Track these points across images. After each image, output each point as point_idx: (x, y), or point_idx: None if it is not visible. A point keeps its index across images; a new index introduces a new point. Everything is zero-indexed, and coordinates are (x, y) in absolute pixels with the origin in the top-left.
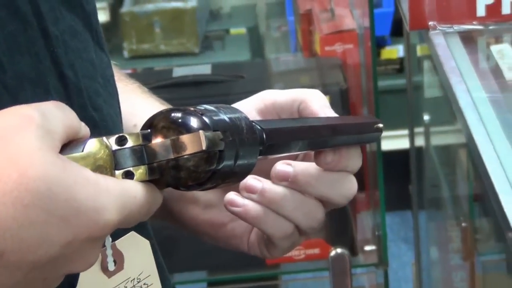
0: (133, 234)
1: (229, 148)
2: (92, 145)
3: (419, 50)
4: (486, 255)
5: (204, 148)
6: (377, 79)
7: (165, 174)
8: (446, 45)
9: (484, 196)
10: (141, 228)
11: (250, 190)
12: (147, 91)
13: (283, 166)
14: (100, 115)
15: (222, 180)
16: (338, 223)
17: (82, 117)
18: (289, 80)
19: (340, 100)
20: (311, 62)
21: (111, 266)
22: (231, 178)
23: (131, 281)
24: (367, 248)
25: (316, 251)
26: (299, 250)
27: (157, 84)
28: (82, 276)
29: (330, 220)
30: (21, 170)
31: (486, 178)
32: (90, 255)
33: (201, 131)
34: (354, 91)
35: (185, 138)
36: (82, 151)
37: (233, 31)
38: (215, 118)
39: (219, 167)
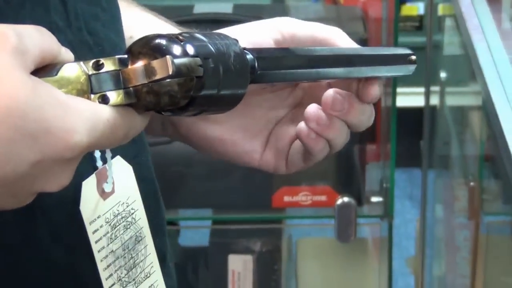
0: (118, 158)
1: (210, 74)
2: (68, 69)
3: (441, 9)
4: (492, 216)
5: (170, 73)
6: (397, 33)
7: (142, 99)
8: (470, 2)
9: (495, 157)
10: (143, 165)
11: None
12: (149, 11)
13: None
14: (96, 39)
15: (207, 106)
16: (346, 172)
17: (78, 40)
18: None
19: None
20: (332, 10)
21: (108, 188)
22: (218, 106)
23: (121, 204)
24: (374, 199)
25: (323, 198)
26: (306, 196)
27: (177, 19)
28: (83, 198)
29: (339, 168)
30: None
31: (501, 138)
32: (61, 176)
33: (168, 56)
34: (374, 43)
35: (155, 63)
36: (56, 74)
37: None
38: (197, 44)
39: (200, 93)
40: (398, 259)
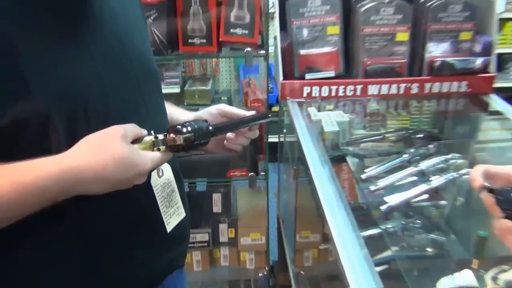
0: (166, 163)
1: (197, 138)
2: (145, 139)
3: (284, 108)
4: (302, 178)
5: (182, 143)
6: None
7: (172, 149)
8: (292, 106)
9: (302, 157)
10: (172, 162)
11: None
12: (185, 109)
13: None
14: (157, 125)
15: (196, 147)
16: (252, 164)
17: (151, 121)
18: None
19: None
20: (247, 110)
21: (161, 174)
22: (200, 146)
23: (166, 179)
24: (261, 173)
25: (244, 173)
26: (239, 172)
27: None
28: (152, 178)
29: (251, 163)
30: (114, 152)
31: (302, 151)
32: (142, 179)
33: (182, 136)
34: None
35: (176, 138)
36: (140, 142)
37: (222, 98)
38: (191, 127)
39: (193, 144)
40: (271, 193)
